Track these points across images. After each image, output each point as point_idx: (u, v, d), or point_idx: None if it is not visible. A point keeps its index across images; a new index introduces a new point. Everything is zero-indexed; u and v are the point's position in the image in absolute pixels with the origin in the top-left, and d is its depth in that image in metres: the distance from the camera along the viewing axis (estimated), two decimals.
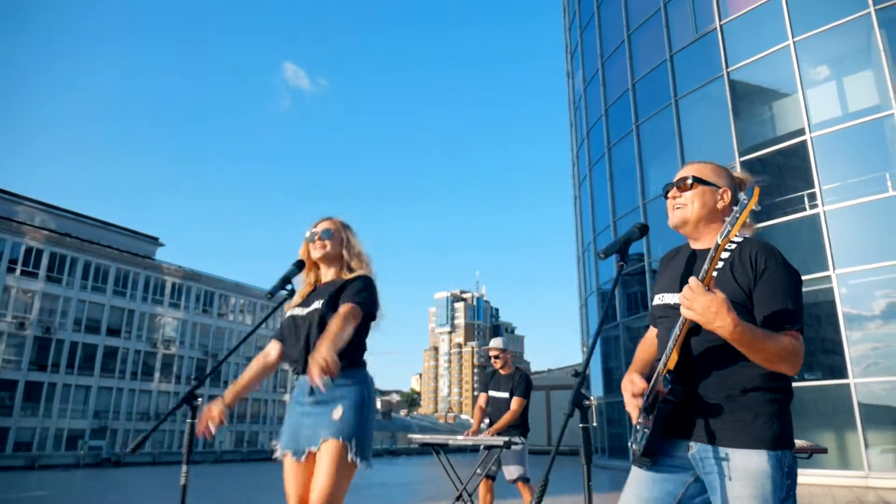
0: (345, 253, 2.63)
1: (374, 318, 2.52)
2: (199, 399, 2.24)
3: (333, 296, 2.49)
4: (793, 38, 13.71)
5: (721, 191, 1.83)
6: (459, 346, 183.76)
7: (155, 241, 52.66)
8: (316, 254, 2.60)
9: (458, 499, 5.12)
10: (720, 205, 1.83)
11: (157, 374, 46.14)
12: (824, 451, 4.50)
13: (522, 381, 5.53)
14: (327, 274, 2.66)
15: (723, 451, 1.63)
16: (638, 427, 1.77)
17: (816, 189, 12.77)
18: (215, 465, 25.58)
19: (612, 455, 18.57)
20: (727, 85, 14.92)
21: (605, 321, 19.72)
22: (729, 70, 14.98)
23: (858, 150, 12.86)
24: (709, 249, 1.65)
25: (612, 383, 19.27)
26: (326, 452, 2.29)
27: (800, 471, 1.69)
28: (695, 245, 1.89)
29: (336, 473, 2.25)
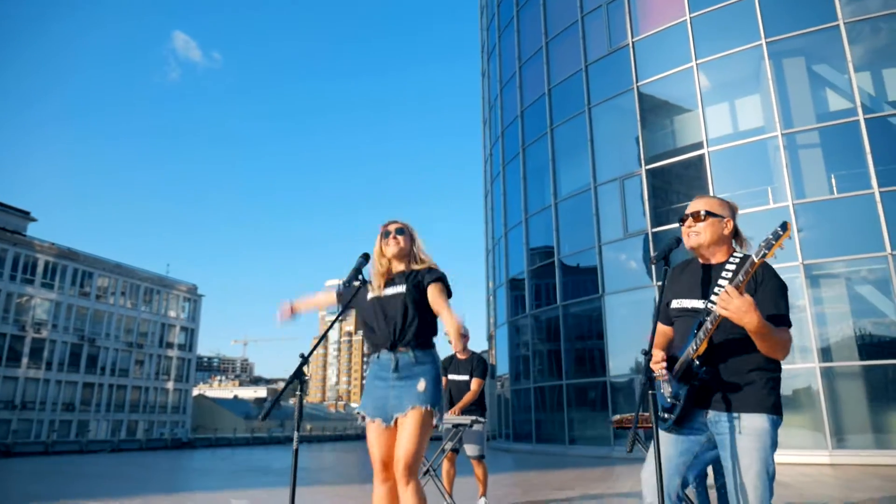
0: (414, 249, 3.08)
1: (450, 295, 3.00)
2: (308, 377, 2.51)
3: (413, 282, 2.93)
4: (696, 60, 15.20)
5: (725, 220, 2.36)
6: (350, 334, 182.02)
7: (26, 215, 48.08)
8: (391, 250, 2.99)
9: (425, 473, 5.51)
10: (725, 231, 2.35)
11: (24, 360, 42.31)
12: None
13: (480, 364, 6.01)
14: (398, 266, 3.05)
15: (735, 414, 2.17)
16: (669, 400, 2.31)
17: None
18: (112, 455, 24.11)
19: (515, 440, 19.60)
20: (636, 97, 16.25)
21: (515, 311, 20.66)
22: (639, 84, 16.30)
23: (746, 165, 14.53)
24: (719, 265, 2.32)
25: (518, 373, 20.23)
26: (413, 417, 2.75)
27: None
28: (704, 261, 2.42)
29: (420, 434, 2.74)
